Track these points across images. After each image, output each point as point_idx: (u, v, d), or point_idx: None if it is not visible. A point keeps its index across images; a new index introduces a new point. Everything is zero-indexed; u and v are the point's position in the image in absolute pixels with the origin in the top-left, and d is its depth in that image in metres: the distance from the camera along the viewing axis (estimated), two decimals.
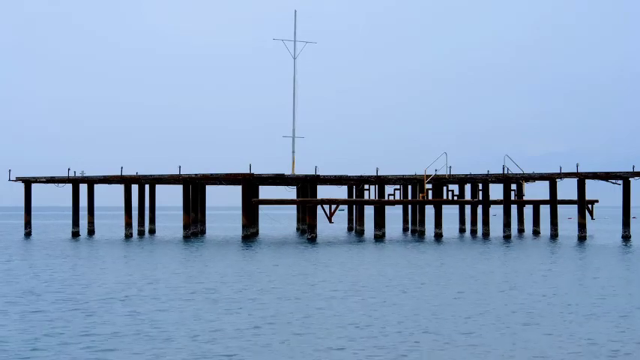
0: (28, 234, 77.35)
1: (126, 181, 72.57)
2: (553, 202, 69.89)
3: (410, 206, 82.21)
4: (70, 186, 75.01)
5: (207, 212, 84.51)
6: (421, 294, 28.69)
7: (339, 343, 19.00)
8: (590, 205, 74.60)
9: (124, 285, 31.70)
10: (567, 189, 73.62)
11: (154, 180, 73.77)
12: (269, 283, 32.13)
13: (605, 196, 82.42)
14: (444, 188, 71.16)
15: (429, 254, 49.40)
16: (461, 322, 22.01)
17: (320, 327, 21.28)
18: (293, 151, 77.21)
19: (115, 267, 40.61)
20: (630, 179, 65.11)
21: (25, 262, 44.71)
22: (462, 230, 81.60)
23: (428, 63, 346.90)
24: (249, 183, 66.84)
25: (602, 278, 34.46)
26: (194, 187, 73.23)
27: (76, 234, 75.07)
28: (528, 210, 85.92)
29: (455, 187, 77.26)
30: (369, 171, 72.17)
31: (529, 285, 31.59)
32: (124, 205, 73.45)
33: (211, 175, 67.90)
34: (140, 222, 76.14)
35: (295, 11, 78.23)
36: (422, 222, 72.95)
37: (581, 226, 67.14)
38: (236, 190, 72.71)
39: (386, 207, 70.82)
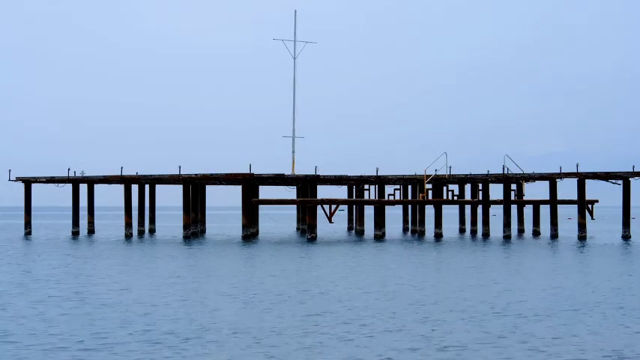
0: (28, 234, 77.37)
1: (126, 181, 72.59)
2: (553, 202, 69.88)
3: (410, 206, 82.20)
4: (70, 186, 75.06)
5: (207, 212, 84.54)
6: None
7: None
8: (590, 205, 74.57)
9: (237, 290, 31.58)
10: (567, 189, 73.70)
11: (154, 180, 73.78)
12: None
13: (605, 196, 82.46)
14: (444, 188, 71.17)
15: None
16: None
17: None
18: (293, 151, 77.26)
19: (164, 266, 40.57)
20: (630, 179, 65.13)
21: (47, 262, 44.71)
22: (462, 230, 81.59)
23: (428, 63, 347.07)
24: (249, 183, 66.85)
25: None
26: (194, 187, 73.25)
27: (76, 234, 75.11)
28: (528, 210, 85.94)
29: (455, 187, 77.32)
30: (369, 171, 72.30)
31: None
32: (124, 205, 73.48)
33: (211, 175, 67.91)
34: (140, 222, 76.17)
35: (295, 11, 78.32)
36: (422, 222, 72.95)
37: (581, 226, 67.15)
38: (236, 190, 72.75)
39: (386, 207, 70.81)
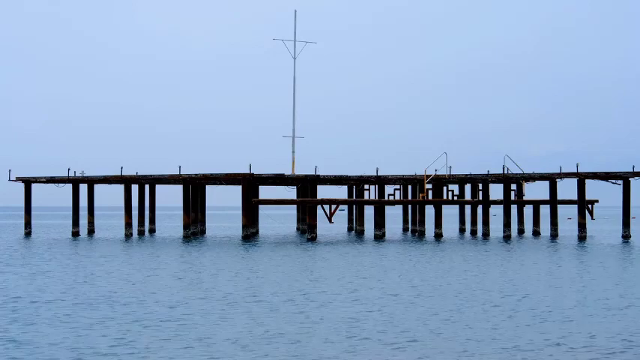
0: (28, 234, 77.34)
1: (126, 181, 72.57)
2: (553, 202, 69.88)
3: (410, 206, 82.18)
4: (70, 186, 75.02)
5: (207, 212, 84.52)
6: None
7: None
8: (590, 205, 74.61)
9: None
10: (567, 189, 73.73)
11: (154, 180, 73.75)
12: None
13: (605, 196, 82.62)
14: (444, 188, 71.14)
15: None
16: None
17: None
18: (293, 151, 77.20)
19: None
20: (630, 179, 65.12)
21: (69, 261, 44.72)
22: (462, 230, 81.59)
23: (428, 63, 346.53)
24: (249, 183, 66.83)
25: None
26: (194, 187, 73.24)
27: (76, 234, 75.06)
28: (528, 210, 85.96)
29: (455, 187, 77.28)
30: (369, 171, 72.27)
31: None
32: (124, 205, 73.46)
33: (211, 175, 67.89)
34: (140, 222, 76.13)
35: (295, 11, 78.25)
36: (422, 222, 72.90)
37: (581, 226, 67.16)
38: (236, 190, 72.70)
39: (386, 207, 70.77)
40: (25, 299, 27.18)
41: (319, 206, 65.13)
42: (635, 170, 63.90)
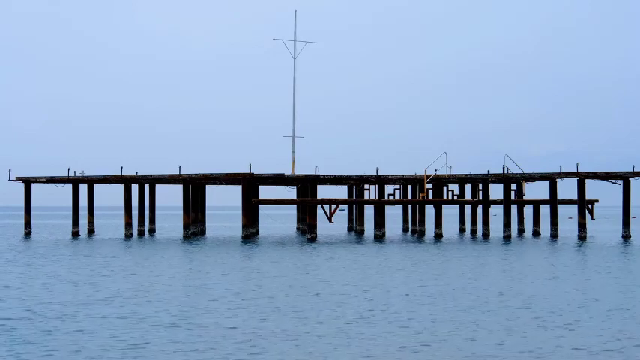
0: (28, 234, 77.35)
1: (126, 181, 72.59)
2: (553, 202, 69.91)
3: (410, 206, 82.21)
4: (70, 186, 75.05)
5: (207, 212, 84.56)
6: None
7: None
8: (590, 205, 74.65)
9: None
10: (567, 189, 73.79)
11: (154, 180, 73.77)
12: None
13: (605, 196, 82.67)
14: (444, 188, 71.17)
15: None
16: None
17: None
18: (293, 151, 77.22)
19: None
20: (630, 179, 65.17)
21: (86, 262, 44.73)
22: (462, 230, 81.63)
23: (428, 63, 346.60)
24: (249, 183, 66.86)
25: None
26: (194, 187, 73.26)
27: (76, 234, 75.08)
28: (528, 210, 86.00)
29: (455, 187, 77.34)
30: (369, 171, 72.28)
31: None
32: (124, 205, 73.47)
33: (211, 175, 67.92)
34: (140, 222, 76.15)
35: (295, 11, 78.27)
36: (422, 222, 72.92)
37: (581, 226, 67.20)
38: (236, 190, 72.73)
39: (386, 207, 70.78)
40: (27, 300, 27.22)
41: (319, 206, 65.15)
42: (635, 170, 63.94)
